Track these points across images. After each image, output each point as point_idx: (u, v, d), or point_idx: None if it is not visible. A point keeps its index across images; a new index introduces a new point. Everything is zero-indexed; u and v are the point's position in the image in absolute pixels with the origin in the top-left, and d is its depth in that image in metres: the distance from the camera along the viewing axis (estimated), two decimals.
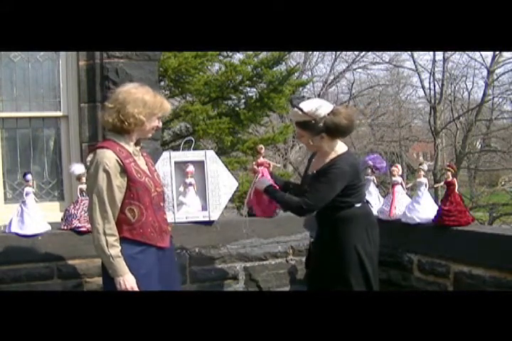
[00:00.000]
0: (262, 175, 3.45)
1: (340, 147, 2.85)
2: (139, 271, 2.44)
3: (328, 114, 2.74)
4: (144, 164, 2.57)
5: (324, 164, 2.82)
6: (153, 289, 2.45)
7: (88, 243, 3.24)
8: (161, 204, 2.61)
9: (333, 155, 2.82)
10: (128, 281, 2.40)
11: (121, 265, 2.40)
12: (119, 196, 2.42)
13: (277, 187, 3.03)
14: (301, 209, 2.80)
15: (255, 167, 3.20)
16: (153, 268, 2.50)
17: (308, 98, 2.94)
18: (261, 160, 3.34)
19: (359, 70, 19.79)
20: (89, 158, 2.50)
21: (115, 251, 2.39)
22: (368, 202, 3.01)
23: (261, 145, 3.45)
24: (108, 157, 2.41)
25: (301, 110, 2.74)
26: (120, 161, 2.42)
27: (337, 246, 2.82)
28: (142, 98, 2.46)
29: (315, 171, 2.87)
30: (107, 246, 2.38)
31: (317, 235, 3.04)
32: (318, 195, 2.76)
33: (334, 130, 2.75)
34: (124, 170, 2.43)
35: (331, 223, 2.86)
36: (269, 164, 3.29)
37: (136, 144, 2.57)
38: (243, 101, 8.90)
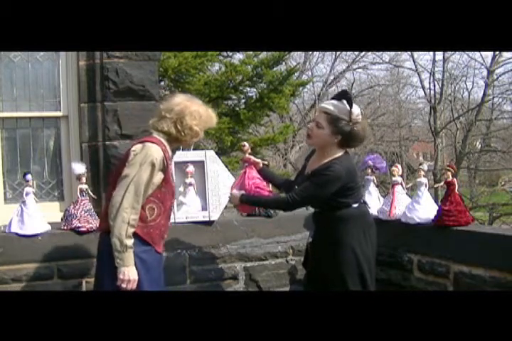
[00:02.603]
0: (244, 173, 3.48)
1: (338, 150, 2.84)
2: (140, 270, 2.48)
3: (357, 123, 2.77)
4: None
5: (319, 165, 2.81)
6: (146, 289, 2.48)
7: (88, 243, 3.25)
8: (171, 211, 2.69)
9: (329, 158, 2.81)
10: (132, 272, 2.44)
11: (131, 256, 2.44)
12: (149, 192, 2.49)
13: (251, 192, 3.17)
14: (287, 204, 2.82)
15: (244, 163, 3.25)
16: (150, 268, 2.54)
17: None
18: (246, 156, 3.35)
19: (359, 70, 19.83)
20: (134, 148, 2.53)
21: (130, 242, 2.44)
22: (365, 202, 3.00)
23: (244, 143, 3.46)
24: (158, 152, 2.49)
25: (351, 106, 2.73)
26: (165, 160, 2.50)
27: (334, 246, 2.82)
28: (198, 111, 2.58)
29: (310, 172, 2.87)
30: (126, 235, 2.41)
31: (314, 235, 3.03)
32: (307, 194, 2.77)
33: (351, 138, 2.77)
34: (164, 170, 2.51)
35: (328, 223, 2.87)
36: (254, 161, 3.29)
37: None
38: (243, 101, 8.90)
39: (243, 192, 3.11)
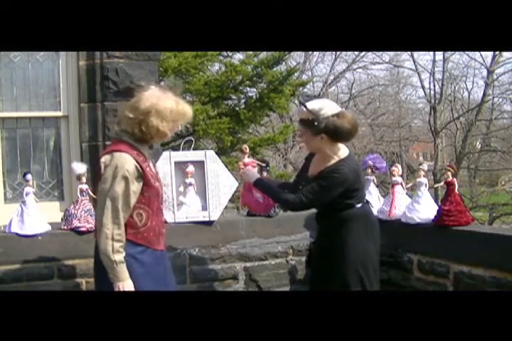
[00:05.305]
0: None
1: (342, 151, 2.83)
2: (138, 270, 2.44)
3: (333, 116, 2.72)
4: (153, 167, 2.57)
5: (325, 167, 2.80)
6: (149, 289, 2.44)
7: (88, 243, 3.24)
8: (162, 207, 2.60)
9: (335, 159, 2.80)
10: (128, 287, 2.39)
11: (123, 270, 2.38)
12: (133, 201, 2.39)
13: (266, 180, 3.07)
14: (294, 204, 2.82)
15: (242, 167, 3.23)
16: (150, 268, 2.50)
17: (318, 98, 2.89)
18: (247, 160, 3.36)
19: (359, 70, 19.79)
20: (103, 160, 2.40)
21: (120, 257, 2.37)
22: (368, 201, 3.01)
23: (245, 145, 3.50)
24: (128, 162, 2.35)
25: (306, 107, 2.72)
26: (139, 167, 2.38)
27: (337, 246, 2.82)
28: (165, 108, 2.37)
29: (315, 173, 2.86)
30: (113, 251, 2.35)
31: (317, 235, 3.04)
32: (314, 197, 2.76)
33: (334, 132, 2.72)
34: (141, 176, 2.39)
35: (332, 223, 2.87)
36: (256, 164, 3.31)
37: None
38: (243, 101, 8.91)
39: (259, 176, 3.08)
